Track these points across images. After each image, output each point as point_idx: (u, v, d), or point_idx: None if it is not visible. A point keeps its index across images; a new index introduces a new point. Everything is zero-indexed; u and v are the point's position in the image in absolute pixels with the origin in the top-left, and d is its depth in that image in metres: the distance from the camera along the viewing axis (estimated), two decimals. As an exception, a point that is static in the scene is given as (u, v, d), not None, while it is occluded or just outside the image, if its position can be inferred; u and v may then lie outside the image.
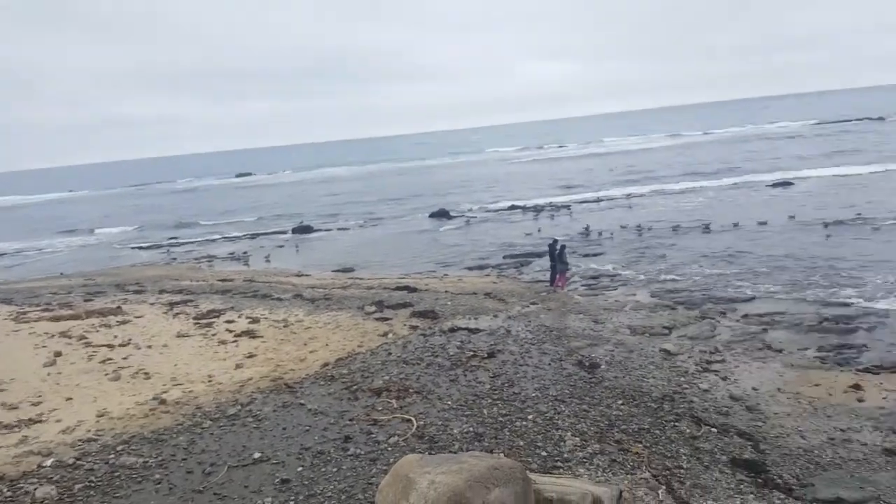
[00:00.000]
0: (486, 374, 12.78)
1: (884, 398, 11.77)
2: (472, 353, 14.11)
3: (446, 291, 21.17)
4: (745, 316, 17.36)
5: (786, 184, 42.31)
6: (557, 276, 21.44)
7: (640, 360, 13.97)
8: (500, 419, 10.68)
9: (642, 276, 22.64)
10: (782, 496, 8.71)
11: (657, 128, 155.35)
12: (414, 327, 16.68)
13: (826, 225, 27.88)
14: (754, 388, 12.44)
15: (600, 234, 31.13)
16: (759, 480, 9.15)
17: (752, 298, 19.05)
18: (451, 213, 45.20)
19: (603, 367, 13.38)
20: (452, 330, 16.07)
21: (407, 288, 21.68)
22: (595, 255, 26.93)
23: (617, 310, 18.39)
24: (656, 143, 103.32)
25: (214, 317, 18.96)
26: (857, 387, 12.25)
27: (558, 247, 21.55)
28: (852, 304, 17.67)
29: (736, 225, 29.88)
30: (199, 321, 18.47)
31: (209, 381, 13.32)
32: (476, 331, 15.96)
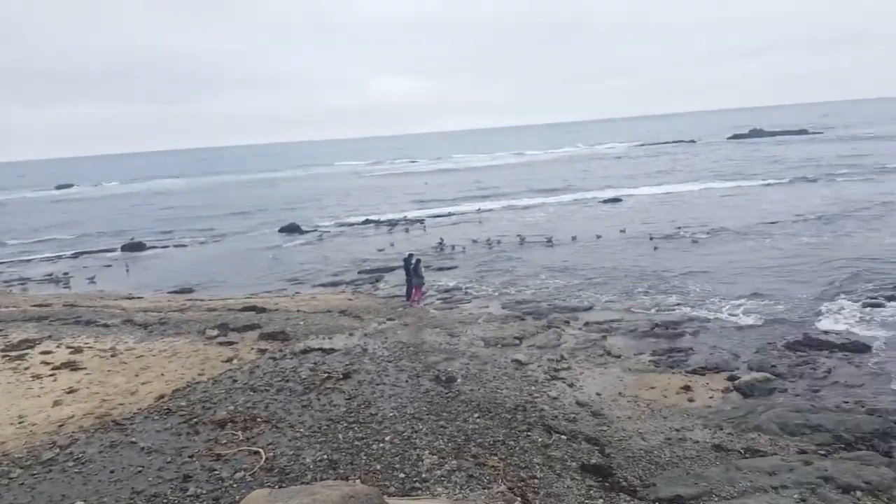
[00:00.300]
0: (342, 397, 12.35)
1: (710, 397, 12.88)
2: (326, 374, 13.60)
3: (298, 310, 20.37)
4: (587, 324, 18.33)
5: (616, 200, 45.85)
6: (413, 291, 21.43)
7: (494, 371, 14.23)
8: (357, 443, 10.31)
9: (493, 289, 23.26)
10: (628, 498, 9.14)
11: (503, 146, 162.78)
12: (262, 350, 15.79)
13: (652, 238, 30.42)
14: (598, 394, 13.10)
15: (453, 248, 31.67)
16: (607, 484, 9.55)
17: (591, 307, 20.20)
18: (303, 228, 43.89)
19: (459, 380, 13.44)
20: (305, 351, 15.42)
21: (254, 308, 20.56)
22: (449, 268, 27.30)
23: (471, 322, 18.69)
24: (502, 161, 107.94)
25: (28, 347, 16.81)
26: (687, 388, 13.32)
27: (413, 261, 21.55)
28: (678, 310, 19.24)
29: (574, 238, 31.72)
30: (9, 353, 16.27)
31: (20, 423, 11.68)
32: (331, 351, 15.44)
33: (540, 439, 10.82)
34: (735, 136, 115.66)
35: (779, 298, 19.56)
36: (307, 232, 42.67)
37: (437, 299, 22.28)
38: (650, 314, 19.00)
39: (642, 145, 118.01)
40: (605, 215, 39.76)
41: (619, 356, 15.54)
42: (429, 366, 14.34)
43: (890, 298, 18.40)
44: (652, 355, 15.59)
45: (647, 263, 25.57)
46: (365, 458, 9.80)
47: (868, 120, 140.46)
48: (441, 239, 33.12)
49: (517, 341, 16.80)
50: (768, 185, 47.60)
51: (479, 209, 46.77)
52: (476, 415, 11.61)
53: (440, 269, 27.24)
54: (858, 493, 8.94)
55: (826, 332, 16.30)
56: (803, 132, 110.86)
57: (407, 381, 13.26)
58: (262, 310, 20.32)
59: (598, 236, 31.84)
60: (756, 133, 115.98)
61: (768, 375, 13.60)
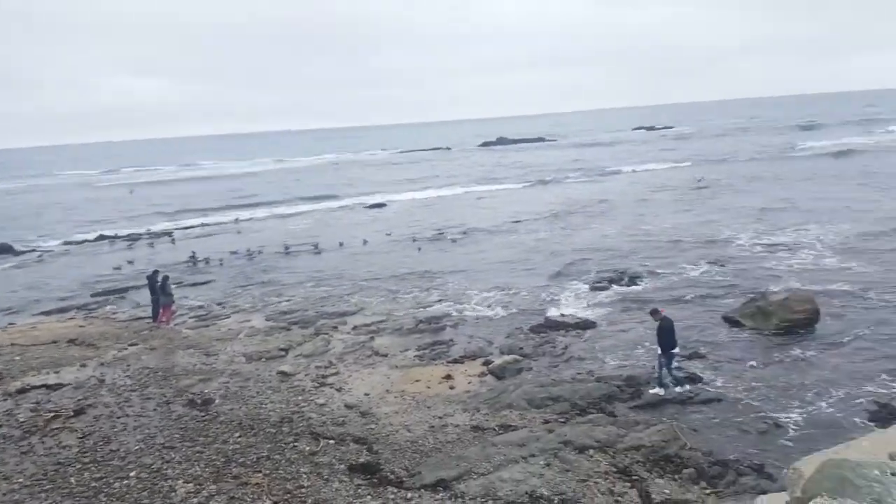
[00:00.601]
0: (74, 436, 10.83)
1: (469, 383, 13.69)
2: (52, 413, 11.80)
3: (13, 344, 17.35)
4: (355, 327, 18.40)
5: (380, 205, 46.99)
6: (161, 311, 19.54)
7: (258, 386, 13.60)
8: (94, 484, 9.12)
9: (256, 302, 22.22)
10: (395, 490, 9.28)
11: (262, 152, 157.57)
12: (-35, 396, 13.21)
13: (415, 240, 31.65)
14: (366, 394, 13.19)
15: (207, 261, 29.65)
16: (375, 480, 9.62)
17: (360, 311, 20.34)
18: (18, 248, 37.69)
19: (217, 401, 12.59)
20: (23, 390, 13.22)
21: (-47, 348, 17.16)
22: (204, 283, 25.49)
23: (231, 339, 17.65)
24: (262, 167, 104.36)
25: None
26: (448, 377, 14.02)
27: (160, 278, 19.68)
28: (439, 306, 20.21)
29: (342, 244, 31.74)
30: None
31: None
32: (58, 386, 13.45)
33: (307, 448, 10.56)
34: (485, 144, 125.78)
35: (522, 287, 21.58)
36: (23, 253, 36.82)
37: (191, 317, 20.59)
38: (415, 312, 19.66)
39: (402, 152, 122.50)
40: (371, 220, 40.46)
41: (386, 355, 15.85)
42: (181, 390, 13.19)
43: (611, 281, 21.27)
44: (417, 350, 16.16)
45: (411, 264, 26.50)
46: (105, 498, 8.69)
47: (589, 129, 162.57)
48: (193, 252, 30.76)
49: (283, 353, 16.25)
50: (511, 188, 52.36)
51: (237, 219, 44.57)
52: (237, 434, 10.96)
53: (194, 284, 25.33)
54: (591, 451, 10.18)
55: (562, 315, 18.29)
56: (541, 140, 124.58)
57: (155, 410, 12.05)
58: (-36, 348, 17.05)
59: (365, 241, 32.23)
60: (502, 141, 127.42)
61: (517, 357, 14.90)
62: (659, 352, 12.83)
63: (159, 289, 19.49)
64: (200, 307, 21.77)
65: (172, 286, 20.38)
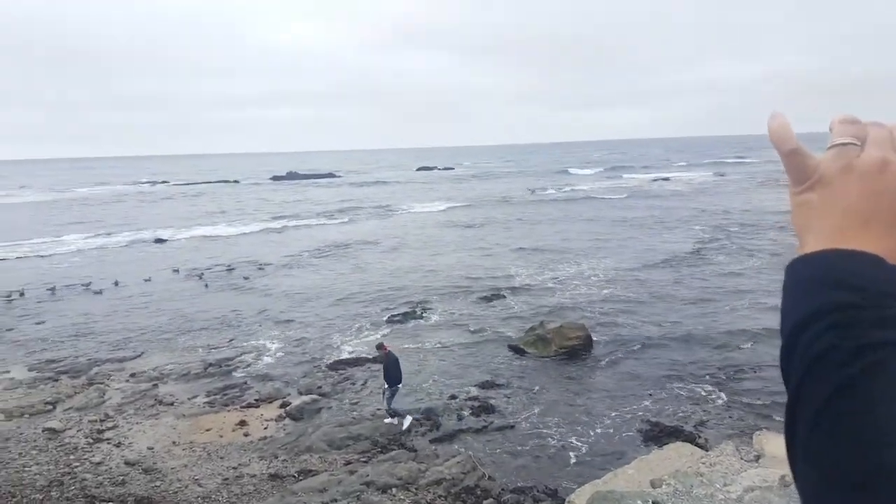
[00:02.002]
0: None
1: (265, 427, 13.50)
2: None
3: None
4: (134, 374, 17.11)
5: (160, 240, 43.93)
6: None
7: (20, 447, 12.22)
8: None
9: (15, 349, 19.63)
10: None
11: (21, 180, 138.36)
12: None
13: (202, 277, 30.14)
14: (150, 448, 12.44)
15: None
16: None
17: (141, 355, 18.95)
18: None
19: (-32, 468, 11.03)
20: None
21: None
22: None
23: (-16, 394, 15.45)
24: (20, 199, 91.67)
25: None
26: (243, 423, 13.69)
27: None
28: (231, 346, 19.52)
29: (117, 283, 29.15)
30: None
31: None
32: None
33: (83, 513, 9.72)
34: (275, 178, 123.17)
35: (319, 323, 21.69)
36: None
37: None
38: (204, 355, 18.79)
39: (183, 184, 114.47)
40: (152, 256, 37.62)
41: (171, 403, 15.01)
42: (-79, 458, 11.37)
43: (405, 314, 22.23)
44: (207, 396, 15.49)
45: (199, 303, 25.19)
46: None
47: (375, 167, 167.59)
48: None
49: (50, 407, 14.67)
50: (309, 223, 52.05)
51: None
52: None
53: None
54: (394, 490, 10.52)
55: (361, 349, 18.74)
56: (332, 175, 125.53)
57: None
58: None
59: (148, 279, 30.00)
60: (293, 175, 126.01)
61: (315, 396, 14.98)
62: (385, 385, 13.53)
63: None
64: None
65: None
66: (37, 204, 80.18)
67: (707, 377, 15.71)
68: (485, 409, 14.15)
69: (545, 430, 13.21)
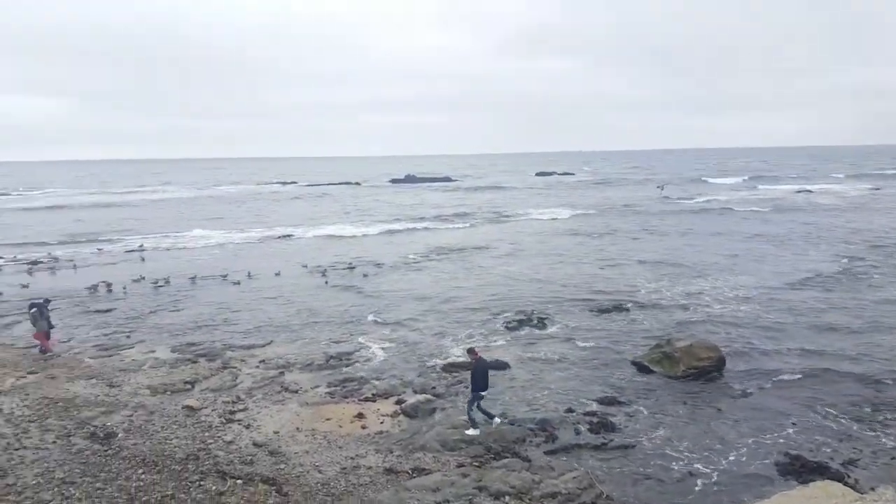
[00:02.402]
0: (-37, 470, 10.11)
1: (381, 422, 13.78)
2: (-63, 447, 10.99)
3: None
4: (263, 361, 18.10)
5: (288, 236, 46.54)
6: (41, 338, 18.56)
7: (163, 421, 13.20)
8: (-14, 522, 8.55)
9: (161, 332, 21.43)
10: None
11: (149, 180, 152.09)
12: None
13: (324, 274, 31.48)
14: (276, 432, 13.04)
15: (110, 288, 28.29)
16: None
17: (269, 343, 20.04)
18: None
19: (121, 435, 12.13)
20: None
21: None
22: (107, 311, 24.30)
23: (135, 370, 16.98)
24: (168, 195, 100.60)
25: None
26: (360, 415, 14.06)
27: (39, 304, 18.83)
28: (351, 341, 20.19)
29: (250, 275, 31.09)
30: None
31: None
32: (-56, 418, 12.52)
33: (214, 487, 10.36)
34: (394, 181, 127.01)
35: (435, 325, 21.93)
36: None
37: (93, 346, 19.63)
38: (325, 347, 19.56)
39: (311, 185, 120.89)
40: (282, 252, 39.85)
41: (296, 391, 15.68)
42: (82, 422, 12.61)
43: (521, 322, 21.97)
44: (328, 387, 16.04)
45: (323, 297, 26.34)
46: (-3, 538, 8.19)
47: (493, 171, 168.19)
48: (98, 280, 29.27)
49: (189, 386, 15.81)
50: (424, 227, 53.03)
51: (142, 245, 42.68)
52: (141, 470, 10.60)
53: (96, 311, 24.14)
54: (507, 498, 10.34)
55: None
56: (448, 179, 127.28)
57: (55, 442, 11.47)
58: None
59: (277, 273, 31.79)
60: (410, 179, 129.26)
61: (429, 396, 15.12)
62: (470, 391, 13.46)
63: (33, 316, 18.58)
64: (105, 336, 20.80)
65: (49, 312, 19.32)
66: (180, 200, 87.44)
67: (859, 413, 14.22)
68: (604, 425, 13.59)
69: (669, 453, 12.47)
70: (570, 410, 14.47)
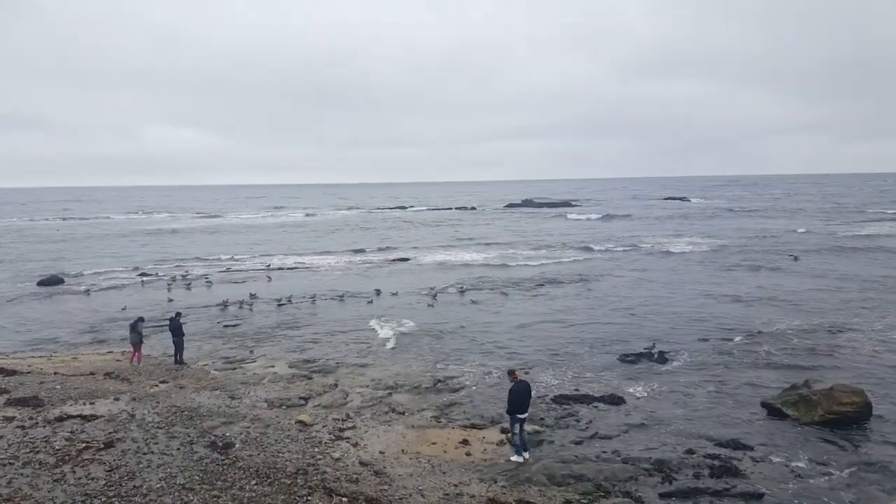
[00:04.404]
0: (102, 468, 10.93)
1: (485, 450, 13.48)
2: (84, 444, 12.00)
3: (56, 373, 17.96)
4: (373, 380, 18.39)
5: (405, 259, 47.74)
6: (133, 351, 19.93)
7: (277, 434, 13.62)
8: (115, 521, 9.12)
9: (281, 347, 22.49)
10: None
11: (291, 203, 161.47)
12: (9, 419, 13.53)
13: (435, 296, 31.79)
14: (381, 452, 13.09)
15: (241, 305, 30.18)
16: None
17: (379, 363, 20.43)
18: (67, 280, 38.97)
19: (238, 445, 12.63)
20: (61, 419, 13.52)
21: (2, 371, 17.71)
22: (234, 326, 25.92)
23: (255, 383, 17.80)
24: (291, 218, 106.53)
25: None
26: (465, 442, 13.83)
27: (181, 320, 20.46)
28: (459, 366, 20.08)
29: (366, 296, 32.06)
30: None
31: None
32: (92, 417, 13.70)
33: (320, 503, 10.48)
34: (510, 206, 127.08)
35: (545, 352, 21.38)
36: (71, 284, 37.99)
37: (219, 359, 20.93)
38: (433, 370, 19.60)
39: (431, 209, 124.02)
40: (394, 273, 40.82)
41: (403, 413, 15.74)
42: (204, 431, 13.29)
43: (640, 355, 20.85)
44: (434, 410, 15.99)
45: (429, 318, 26.55)
46: (122, 537, 8.70)
47: (621, 196, 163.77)
48: (227, 298, 31.41)
49: (303, 402, 16.32)
50: (535, 254, 52.33)
51: (269, 265, 45.31)
52: (254, 481, 10.94)
53: (225, 326, 25.79)
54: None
55: (588, 386, 18.02)
56: (567, 204, 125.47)
57: (179, 449, 12.13)
58: (12, 372, 17.61)
59: (383, 291, 32.92)
60: (527, 203, 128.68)
61: (538, 428, 14.63)
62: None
63: (131, 327, 20.00)
64: (232, 349, 22.20)
65: (143, 327, 20.60)
66: (316, 222, 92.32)
67: None
68: (727, 470, 12.47)
69: (799, 504, 11.28)
70: (690, 452, 13.44)
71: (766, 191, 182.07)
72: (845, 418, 14.81)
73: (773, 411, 15.75)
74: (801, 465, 12.87)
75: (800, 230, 66.04)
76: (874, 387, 17.19)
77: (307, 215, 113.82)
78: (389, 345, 22.86)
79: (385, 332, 24.83)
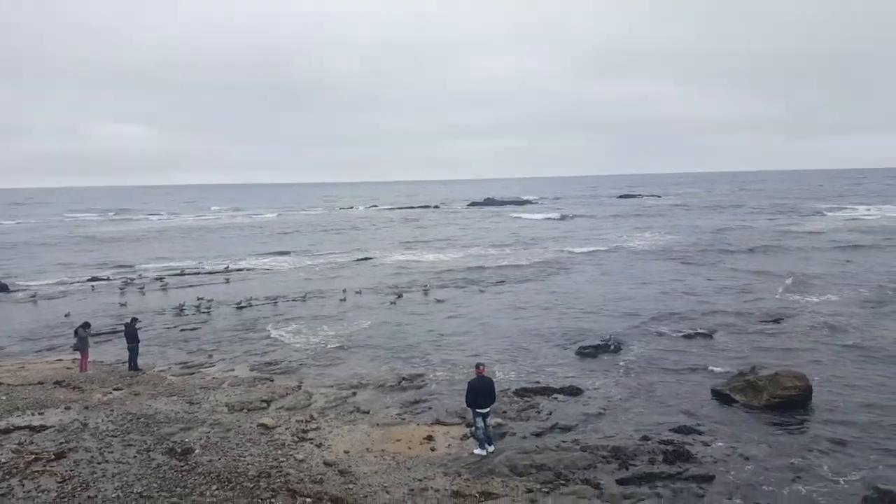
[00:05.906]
0: (54, 480, 10.73)
1: (450, 445, 13.65)
2: (34, 455, 11.72)
3: (1, 383, 17.38)
4: (337, 381, 18.34)
5: (368, 259, 47.53)
6: (80, 357, 19.60)
7: (238, 438, 13.54)
8: (68, 532, 8.98)
9: (240, 351, 22.22)
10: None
11: (254, 203, 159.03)
12: (-50, 433, 13.14)
13: (400, 296, 31.86)
14: (346, 451, 13.13)
15: (198, 308, 29.68)
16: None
17: (343, 362, 20.39)
18: (12, 287, 37.65)
19: (197, 451, 12.52)
20: (7, 430, 13.20)
21: (-61, 383, 17.13)
22: (191, 329, 25.50)
23: (214, 388, 17.60)
24: (260, 218, 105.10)
25: None
26: (430, 438, 13.98)
27: (136, 325, 20.01)
28: (423, 363, 20.21)
29: (328, 296, 31.93)
30: None
31: None
32: (42, 428, 13.40)
33: (284, 506, 10.47)
34: (473, 204, 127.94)
35: (507, 348, 21.69)
36: (17, 292, 36.71)
37: (176, 364, 20.58)
38: (398, 368, 19.68)
39: (392, 209, 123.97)
40: (356, 275, 40.72)
41: (367, 411, 15.78)
42: (162, 438, 13.13)
43: (597, 347, 21.32)
44: (399, 408, 16.09)
45: (394, 318, 26.62)
46: (78, 548, 8.57)
47: (577, 195, 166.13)
48: (183, 301, 30.82)
49: (265, 404, 16.21)
50: (502, 252, 52.84)
51: (228, 267, 44.58)
52: (215, 487, 10.88)
53: (182, 330, 25.36)
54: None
55: (548, 378, 18.33)
56: (527, 202, 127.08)
57: (135, 457, 11.97)
58: (-52, 385, 17.00)
59: (351, 291, 32.80)
60: (490, 202, 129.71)
61: (500, 420, 14.85)
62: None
63: (75, 333, 19.73)
64: (189, 353, 21.85)
65: (88, 332, 20.31)
66: (276, 223, 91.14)
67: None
68: (680, 454, 12.91)
69: (748, 485, 11.75)
70: (645, 438, 13.86)
71: (715, 187, 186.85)
72: (790, 401, 15.51)
73: (722, 398, 16.35)
74: (749, 447, 13.40)
75: (749, 225, 68.28)
76: (814, 370, 17.99)
77: (265, 216, 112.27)
78: (353, 344, 22.83)
79: (349, 331, 24.78)
